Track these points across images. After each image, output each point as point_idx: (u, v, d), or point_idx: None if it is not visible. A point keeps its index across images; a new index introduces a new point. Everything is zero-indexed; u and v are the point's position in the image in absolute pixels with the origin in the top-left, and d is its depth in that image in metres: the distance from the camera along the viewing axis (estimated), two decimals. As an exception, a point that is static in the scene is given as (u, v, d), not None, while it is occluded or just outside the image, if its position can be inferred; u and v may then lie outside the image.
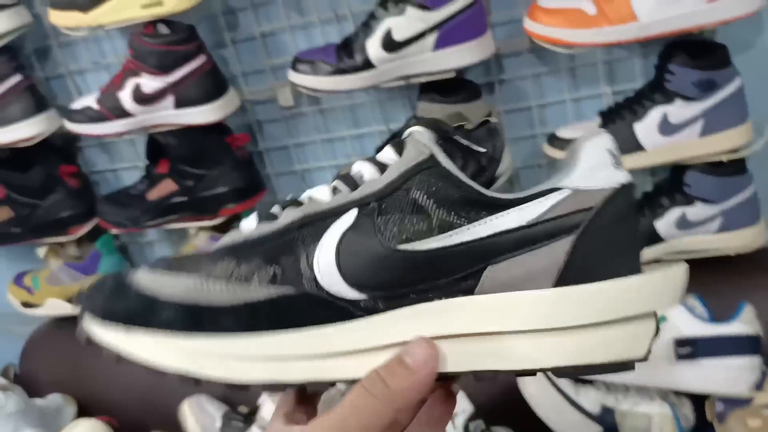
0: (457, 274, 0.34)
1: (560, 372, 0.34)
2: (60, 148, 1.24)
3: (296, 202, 0.37)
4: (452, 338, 0.35)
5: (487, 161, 0.37)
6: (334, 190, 0.37)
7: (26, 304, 1.32)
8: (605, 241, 0.34)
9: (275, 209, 0.38)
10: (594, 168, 0.35)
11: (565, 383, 0.94)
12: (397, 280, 0.34)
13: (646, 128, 0.92)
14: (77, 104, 1.09)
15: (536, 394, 0.95)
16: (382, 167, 0.36)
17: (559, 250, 0.33)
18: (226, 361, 0.34)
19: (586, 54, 0.97)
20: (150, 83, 1.02)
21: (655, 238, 0.97)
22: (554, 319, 0.33)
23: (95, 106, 1.06)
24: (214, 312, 0.34)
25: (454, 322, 0.34)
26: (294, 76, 1.00)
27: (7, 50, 1.12)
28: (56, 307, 1.29)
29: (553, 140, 0.98)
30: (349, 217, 0.35)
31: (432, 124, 0.37)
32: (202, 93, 1.03)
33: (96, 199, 1.24)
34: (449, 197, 0.34)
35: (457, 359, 0.34)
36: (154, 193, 1.14)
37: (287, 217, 0.36)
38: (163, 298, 0.35)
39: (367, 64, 0.95)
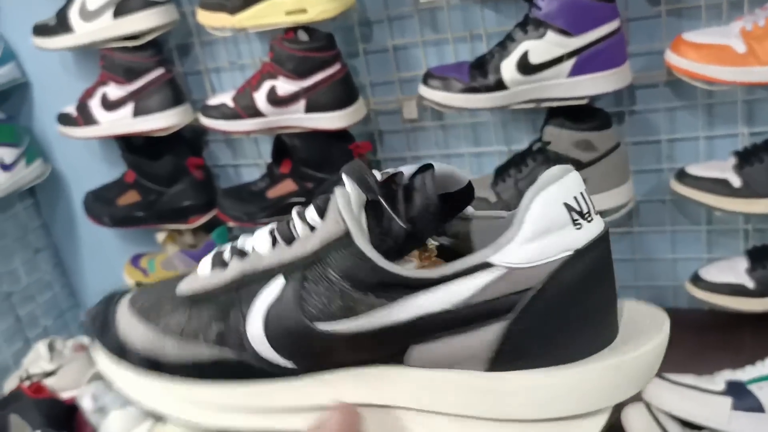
0: (382, 351, 0.34)
1: None
2: (188, 141, 1.30)
3: (242, 252, 0.37)
4: (382, 407, 0.35)
5: (413, 227, 0.33)
6: (274, 242, 0.36)
7: (140, 285, 1.39)
8: (548, 322, 0.30)
9: (227, 255, 0.38)
10: (542, 232, 0.30)
11: (673, 427, 0.92)
12: (322, 354, 0.35)
13: (786, 173, 0.88)
14: (213, 101, 1.14)
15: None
16: (311, 227, 0.35)
17: (490, 334, 0.31)
18: (183, 403, 0.37)
19: (726, 92, 0.95)
20: (285, 86, 1.06)
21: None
22: (483, 407, 0.31)
23: (230, 103, 1.11)
24: (169, 365, 0.37)
25: (385, 392, 0.34)
26: (424, 90, 1.01)
27: (152, 45, 1.19)
28: (168, 290, 1.36)
29: (682, 176, 0.96)
30: (276, 288, 0.35)
31: (359, 178, 0.34)
32: (332, 100, 1.07)
33: (216, 192, 1.29)
34: (366, 280, 0.32)
35: (385, 428, 0.35)
36: (274, 192, 1.18)
37: (232, 270, 0.37)
38: (130, 346, 0.38)
39: (500, 85, 0.96)
